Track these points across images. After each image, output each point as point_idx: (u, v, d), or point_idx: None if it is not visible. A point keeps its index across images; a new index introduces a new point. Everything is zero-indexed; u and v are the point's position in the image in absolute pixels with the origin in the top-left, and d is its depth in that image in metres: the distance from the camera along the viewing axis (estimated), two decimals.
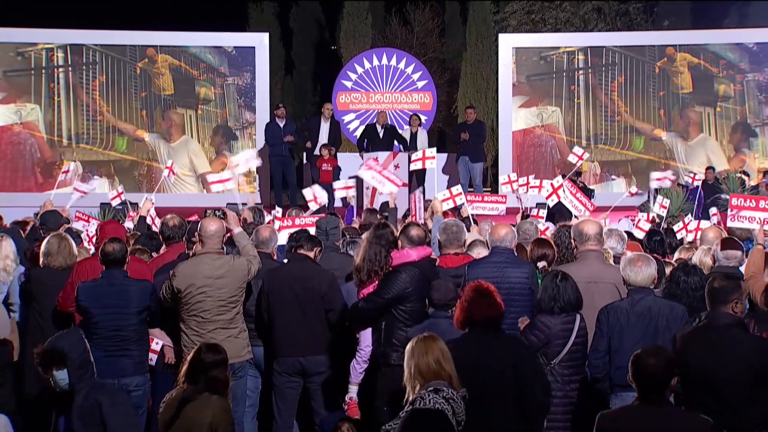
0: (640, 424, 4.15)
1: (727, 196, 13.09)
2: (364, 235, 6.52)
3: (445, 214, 8.77)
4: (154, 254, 7.57)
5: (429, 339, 4.70)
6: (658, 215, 10.33)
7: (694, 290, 5.75)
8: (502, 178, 12.77)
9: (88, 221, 9.69)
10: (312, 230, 8.28)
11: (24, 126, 17.73)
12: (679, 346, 5.01)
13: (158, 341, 6.37)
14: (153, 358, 6.35)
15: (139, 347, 6.06)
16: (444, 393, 4.44)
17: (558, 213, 11.29)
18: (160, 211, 9.89)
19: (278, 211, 9.53)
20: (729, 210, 7.38)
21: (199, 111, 18.17)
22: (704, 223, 9.52)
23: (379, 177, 10.12)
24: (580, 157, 11.18)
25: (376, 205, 10.89)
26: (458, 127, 17.31)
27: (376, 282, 6.04)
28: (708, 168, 16.68)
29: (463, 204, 9.46)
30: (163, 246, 7.62)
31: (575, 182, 15.29)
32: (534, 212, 10.07)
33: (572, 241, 6.46)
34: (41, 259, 6.87)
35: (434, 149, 11.39)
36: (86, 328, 5.99)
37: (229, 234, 6.59)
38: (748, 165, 17.80)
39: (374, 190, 14.11)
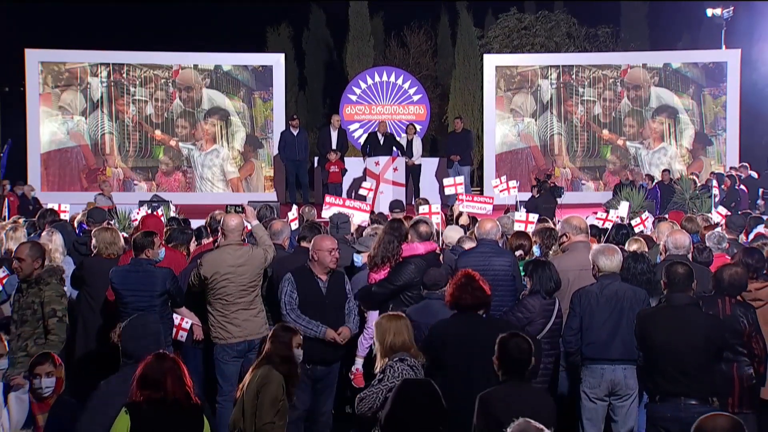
0: (506, 401, 4.03)
1: (684, 196, 13.15)
2: (382, 227, 6.58)
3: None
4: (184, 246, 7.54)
5: (395, 318, 4.77)
6: (620, 217, 10.29)
7: (641, 275, 5.72)
8: (494, 181, 12.71)
9: None
10: (358, 215, 8.36)
11: (71, 136, 17.66)
12: (644, 324, 5.00)
13: (188, 321, 6.34)
14: (183, 335, 6.32)
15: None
16: (408, 362, 4.58)
17: (536, 210, 11.23)
18: (198, 209, 9.84)
19: (294, 209, 9.50)
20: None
21: (231, 120, 18.10)
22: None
23: (345, 210, 9.48)
24: None
25: (377, 208, 10.80)
26: (449, 136, 17.35)
27: (387, 268, 6.04)
28: (664, 170, 16.68)
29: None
30: (202, 238, 7.65)
31: (546, 182, 15.37)
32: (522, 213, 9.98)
33: (565, 233, 6.40)
34: (100, 248, 6.84)
35: (462, 178, 11.12)
36: (118, 307, 6.07)
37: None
38: (705, 170, 17.73)
39: (375, 194, 14.15)
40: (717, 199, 11.57)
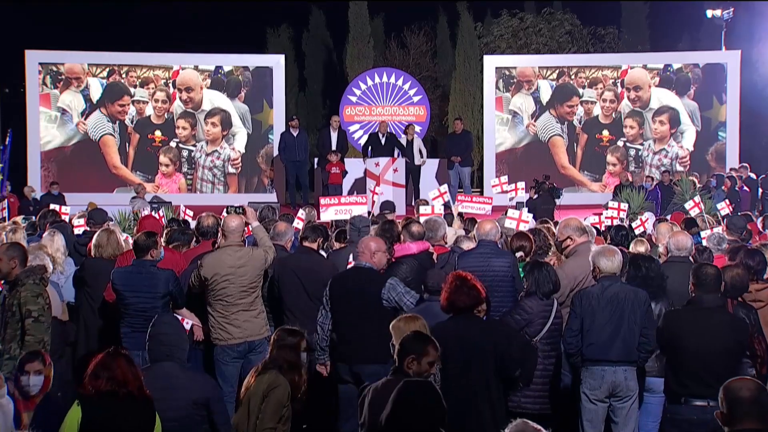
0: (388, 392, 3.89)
1: (684, 197, 13.08)
2: (372, 230, 6.55)
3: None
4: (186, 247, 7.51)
5: (413, 320, 4.70)
6: (620, 218, 10.23)
7: (653, 279, 5.67)
8: (493, 181, 12.67)
9: None
10: (356, 208, 8.26)
11: (70, 137, 17.62)
12: (672, 325, 5.00)
13: (188, 321, 6.32)
14: None
15: None
16: None
17: (534, 211, 11.23)
18: (198, 210, 9.77)
19: (301, 212, 9.41)
20: None
21: (231, 122, 18.07)
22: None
23: (342, 208, 9.46)
24: None
25: (377, 207, 10.74)
26: (448, 137, 17.35)
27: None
28: (664, 172, 16.67)
29: (449, 201, 9.39)
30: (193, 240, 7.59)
31: (544, 183, 15.35)
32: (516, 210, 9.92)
33: (569, 237, 6.32)
34: (92, 251, 6.84)
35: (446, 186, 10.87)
36: (119, 308, 6.07)
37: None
38: (705, 172, 17.69)
39: (373, 193, 14.14)
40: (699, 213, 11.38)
